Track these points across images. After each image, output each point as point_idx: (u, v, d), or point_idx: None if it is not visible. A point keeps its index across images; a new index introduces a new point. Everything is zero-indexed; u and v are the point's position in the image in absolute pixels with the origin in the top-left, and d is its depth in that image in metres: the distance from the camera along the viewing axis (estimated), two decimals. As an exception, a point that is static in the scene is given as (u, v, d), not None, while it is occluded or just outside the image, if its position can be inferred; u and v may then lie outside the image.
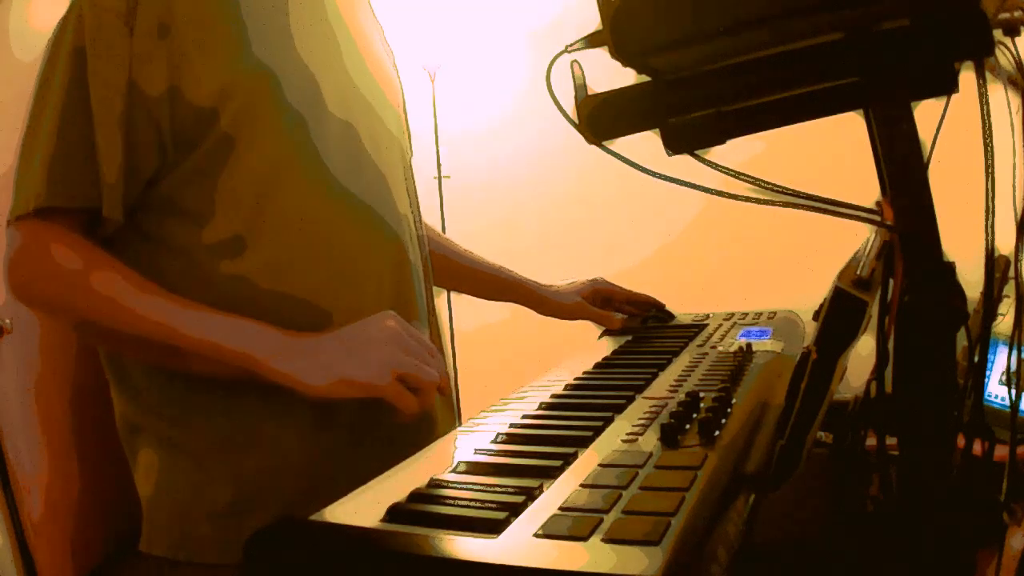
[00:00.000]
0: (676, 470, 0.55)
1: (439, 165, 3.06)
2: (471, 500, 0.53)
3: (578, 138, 0.51)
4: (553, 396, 0.82)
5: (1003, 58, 0.55)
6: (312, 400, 0.83)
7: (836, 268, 0.61)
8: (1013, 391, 0.69)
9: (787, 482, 0.57)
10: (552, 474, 0.57)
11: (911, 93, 0.48)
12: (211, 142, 0.88)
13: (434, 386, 0.85)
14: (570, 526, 0.48)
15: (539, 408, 0.78)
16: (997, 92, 0.54)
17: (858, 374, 0.68)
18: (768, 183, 0.52)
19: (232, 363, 0.83)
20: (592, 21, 0.47)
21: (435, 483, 0.58)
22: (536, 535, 0.47)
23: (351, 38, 1.02)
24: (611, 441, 0.64)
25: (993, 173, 0.50)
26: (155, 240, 0.91)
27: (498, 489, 0.55)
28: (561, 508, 0.51)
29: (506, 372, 1.48)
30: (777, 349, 0.93)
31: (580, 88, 0.51)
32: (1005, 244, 0.59)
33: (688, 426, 0.64)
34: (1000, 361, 1.50)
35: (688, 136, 0.49)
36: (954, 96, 0.46)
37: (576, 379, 0.89)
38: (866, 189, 0.61)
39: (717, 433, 0.62)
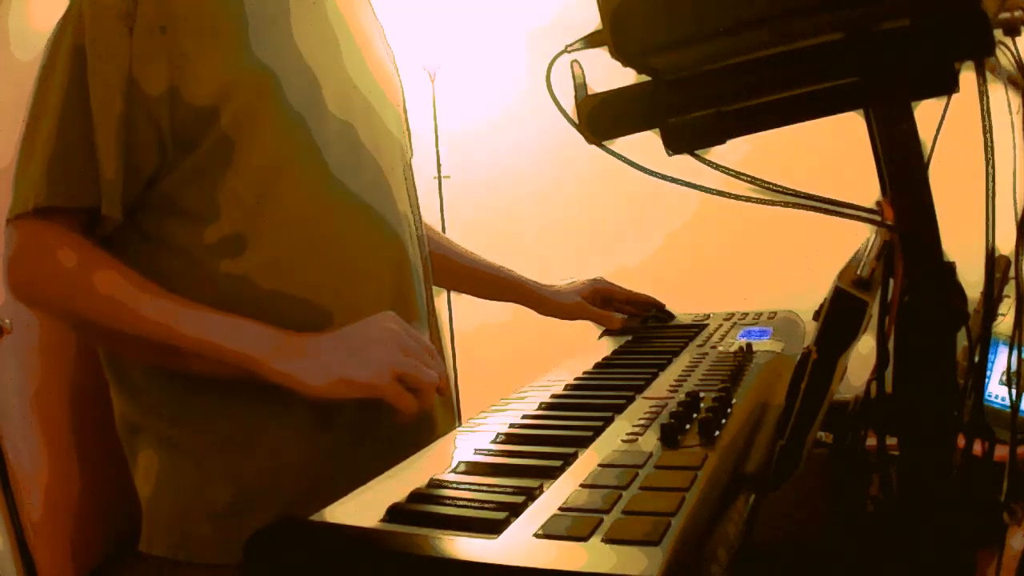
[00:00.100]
0: (676, 470, 0.55)
1: (439, 165, 3.06)
2: (471, 500, 0.53)
3: (578, 138, 0.51)
4: (553, 396, 0.82)
5: (1003, 58, 0.55)
6: (312, 400, 0.83)
7: (836, 268, 0.61)
8: (1013, 391, 0.69)
9: (787, 482, 0.57)
10: (552, 474, 0.57)
11: (911, 93, 0.48)
12: (211, 141, 0.88)
13: (433, 386, 0.85)
14: (570, 526, 0.48)
15: (539, 408, 0.78)
16: (997, 92, 0.54)
17: (858, 374, 0.68)
18: (768, 183, 0.52)
19: (232, 363, 0.83)
20: (592, 21, 0.47)
21: (435, 483, 0.58)
22: (536, 535, 0.47)
23: (351, 38, 1.02)
24: (611, 441, 0.64)
25: (993, 173, 0.50)
26: (155, 240, 0.91)
27: (498, 489, 0.55)
28: (561, 508, 0.51)
29: (506, 372, 1.47)
30: (777, 349, 0.93)
31: (580, 88, 0.51)
32: (1005, 244, 0.59)
33: (688, 426, 0.64)
34: (1000, 361, 1.50)
35: (688, 136, 0.49)
36: (954, 96, 0.46)
37: (576, 379, 0.89)
38: (866, 189, 0.61)
39: (717, 433, 0.62)
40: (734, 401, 0.70)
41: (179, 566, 0.90)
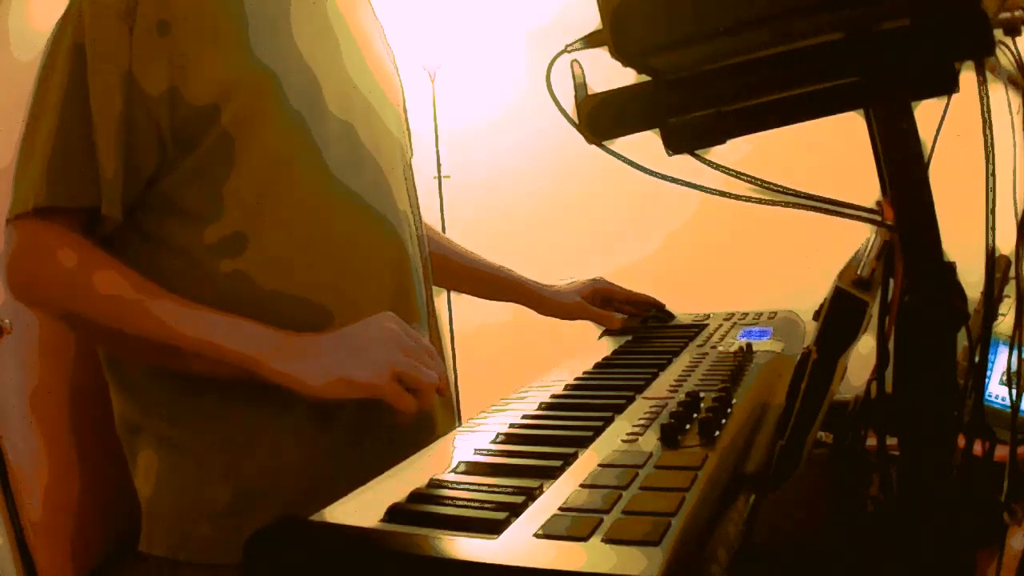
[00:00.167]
0: (676, 470, 0.55)
1: (439, 165, 3.06)
2: (471, 500, 0.53)
3: (578, 138, 0.51)
4: (553, 396, 0.81)
5: (1003, 58, 0.55)
6: (311, 400, 0.83)
7: (836, 268, 0.61)
8: (1013, 391, 0.69)
9: (787, 482, 0.57)
10: (552, 474, 0.57)
11: (911, 93, 0.48)
12: (211, 141, 0.88)
13: (433, 387, 0.85)
14: (570, 526, 0.48)
15: (539, 408, 0.78)
16: (997, 92, 0.54)
17: (858, 374, 0.68)
18: (768, 183, 0.52)
19: (231, 363, 0.83)
20: (592, 21, 0.47)
21: (435, 483, 0.58)
22: (536, 535, 0.47)
23: (352, 37, 1.02)
24: (611, 441, 0.64)
25: (993, 173, 0.50)
26: (155, 240, 0.91)
27: (498, 489, 0.55)
28: (561, 508, 0.51)
29: (506, 372, 1.47)
30: (777, 349, 0.93)
31: (580, 88, 0.51)
32: (1005, 244, 0.59)
33: (688, 426, 0.64)
34: (1000, 361, 1.50)
35: (688, 136, 0.49)
36: (954, 96, 0.46)
37: (576, 379, 0.89)
38: (866, 189, 0.61)
39: (717, 433, 0.62)
40: (734, 401, 0.70)
41: (179, 566, 0.90)
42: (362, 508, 0.54)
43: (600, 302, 1.29)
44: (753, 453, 0.61)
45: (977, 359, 0.60)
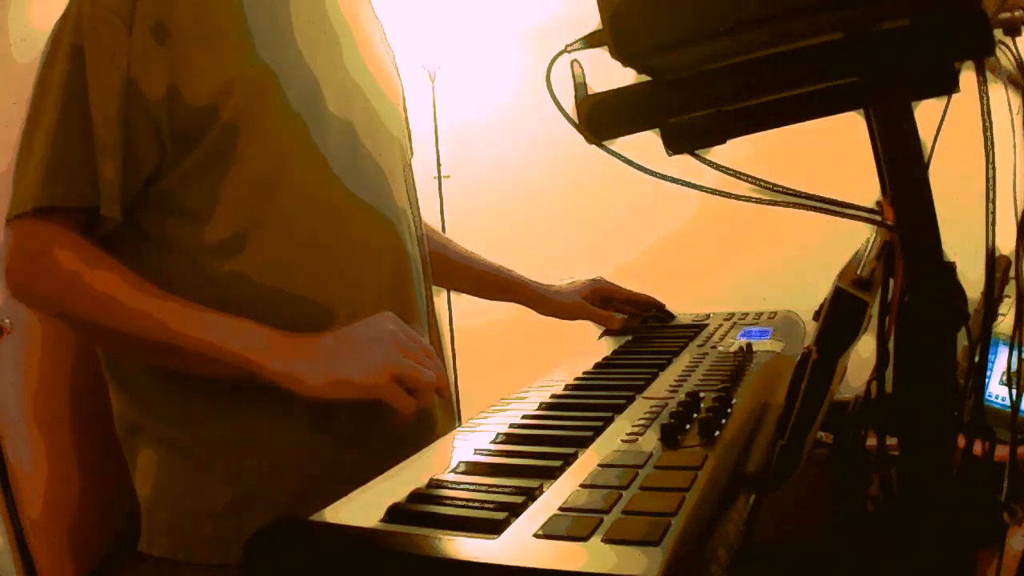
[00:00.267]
0: (676, 470, 0.55)
1: (439, 164, 3.06)
2: (471, 500, 0.53)
3: (578, 138, 0.51)
4: (553, 396, 0.81)
5: (1004, 58, 0.55)
6: (310, 400, 0.83)
7: (836, 268, 0.61)
8: (1013, 391, 0.69)
9: (787, 482, 0.57)
10: (552, 474, 0.57)
11: (911, 93, 0.48)
12: (211, 141, 0.88)
13: (432, 387, 0.85)
14: (570, 526, 0.48)
15: (539, 408, 0.77)
16: (997, 92, 0.54)
17: (858, 374, 0.68)
18: (768, 183, 0.52)
19: (230, 363, 0.83)
20: (592, 21, 0.47)
21: (435, 483, 0.58)
22: (536, 535, 0.47)
23: (352, 37, 1.02)
24: (611, 441, 0.64)
25: (993, 173, 0.50)
26: (155, 239, 0.91)
27: (498, 489, 0.55)
28: (561, 508, 0.51)
29: (506, 372, 1.47)
30: (777, 349, 0.93)
31: (580, 88, 0.51)
32: (1005, 244, 0.59)
33: (688, 426, 0.64)
34: (1000, 361, 1.50)
35: (688, 136, 0.49)
36: (954, 96, 0.46)
37: (576, 379, 0.89)
38: (866, 189, 0.61)
39: (717, 433, 0.62)
40: (734, 401, 0.70)
41: (179, 566, 0.90)
42: (362, 508, 0.54)
43: (600, 302, 1.29)
44: (753, 453, 0.61)
45: (977, 359, 0.60)
